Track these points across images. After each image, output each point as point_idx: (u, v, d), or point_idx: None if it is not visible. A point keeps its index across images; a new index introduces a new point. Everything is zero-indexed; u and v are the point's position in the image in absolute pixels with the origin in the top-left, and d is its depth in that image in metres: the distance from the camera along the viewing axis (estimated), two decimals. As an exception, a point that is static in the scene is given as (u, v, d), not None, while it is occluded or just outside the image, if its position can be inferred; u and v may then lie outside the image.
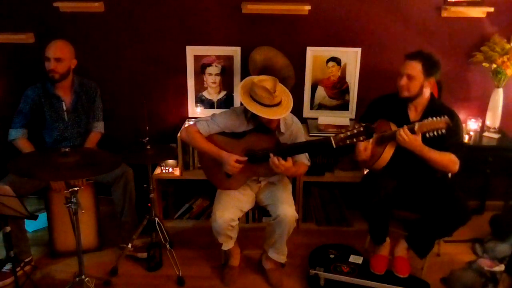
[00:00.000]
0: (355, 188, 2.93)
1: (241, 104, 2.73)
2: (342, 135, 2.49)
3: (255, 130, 2.71)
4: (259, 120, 2.67)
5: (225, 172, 2.74)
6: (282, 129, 2.72)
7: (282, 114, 2.59)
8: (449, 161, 2.62)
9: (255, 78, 2.62)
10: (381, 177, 2.75)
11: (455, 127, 2.60)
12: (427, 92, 2.71)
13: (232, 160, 2.65)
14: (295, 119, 2.81)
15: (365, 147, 2.66)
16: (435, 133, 2.49)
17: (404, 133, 2.54)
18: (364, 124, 2.47)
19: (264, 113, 2.54)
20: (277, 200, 2.75)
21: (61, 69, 2.94)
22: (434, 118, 2.49)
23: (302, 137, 2.81)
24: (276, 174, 2.77)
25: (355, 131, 2.46)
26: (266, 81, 2.58)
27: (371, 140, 2.64)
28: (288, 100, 2.64)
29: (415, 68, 2.62)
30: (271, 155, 2.58)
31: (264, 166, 2.70)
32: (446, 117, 2.47)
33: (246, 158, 2.67)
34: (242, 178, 2.78)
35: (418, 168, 2.68)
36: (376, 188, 2.73)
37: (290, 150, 2.69)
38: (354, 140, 2.47)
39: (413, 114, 2.75)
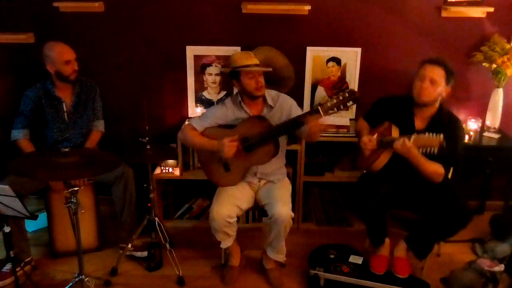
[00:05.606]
0: (352, 189, 2.92)
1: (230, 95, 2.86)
2: (329, 104, 2.52)
3: (247, 119, 2.77)
4: (249, 96, 2.74)
5: (224, 165, 2.76)
6: (269, 101, 2.80)
7: (263, 67, 2.74)
8: (435, 173, 2.59)
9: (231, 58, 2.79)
10: (377, 179, 2.75)
11: (456, 136, 2.58)
12: (437, 102, 2.66)
13: (225, 141, 2.67)
14: (280, 93, 2.88)
15: (369, 139, 2.67)
16: (426, 150, 2.42)
17: (402, 144, 2.50)
18: (348, 90, 2.49)
19: (248, 61, 2.68)
20: (273, 199, 2.76)
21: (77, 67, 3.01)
22: (431, 135, 2.42)
23: (291, 102, 2.85)
24: (270, 159, 2.77)
25: (341, 97, 2.50)
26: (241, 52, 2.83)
27: (375, 135, 2.67)
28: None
29: (439, 73, 2.58)
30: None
31: (259, 152, 2.74)
32: (441, 136, 2.39)
33: (236, 136, 2.69)
34: (240, 170, 2.82)
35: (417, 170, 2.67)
36: (372, 189, 2.72)
37: (282, 129, 2.67)
38: (342, 107, 2.50)
39: (419, 123, 2.70)
